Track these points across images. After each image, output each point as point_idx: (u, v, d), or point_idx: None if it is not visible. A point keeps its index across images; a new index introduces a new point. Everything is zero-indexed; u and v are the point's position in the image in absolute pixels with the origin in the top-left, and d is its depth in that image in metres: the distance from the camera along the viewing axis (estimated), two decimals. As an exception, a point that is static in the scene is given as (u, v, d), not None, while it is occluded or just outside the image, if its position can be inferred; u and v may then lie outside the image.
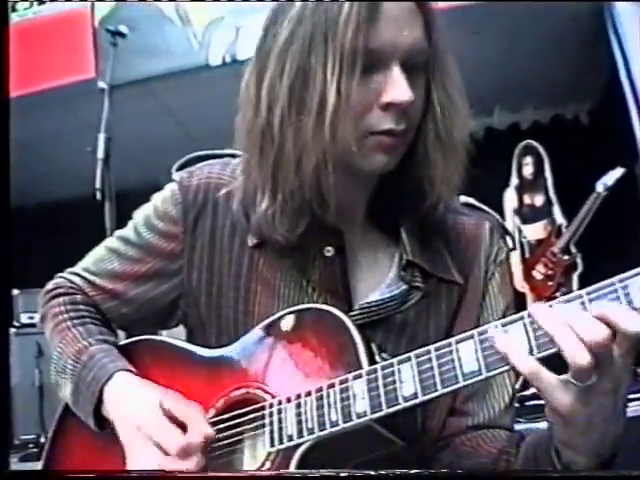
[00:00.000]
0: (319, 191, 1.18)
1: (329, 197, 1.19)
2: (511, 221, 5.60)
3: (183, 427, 1.20)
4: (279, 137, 1.18)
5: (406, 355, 1.08)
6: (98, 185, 3.34)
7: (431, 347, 1.06)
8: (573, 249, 5.15)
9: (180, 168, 1.46)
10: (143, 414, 1.24)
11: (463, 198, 1.40)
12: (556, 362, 0.97)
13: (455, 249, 1.34)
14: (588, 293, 0.97)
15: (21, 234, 6.95)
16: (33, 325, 4.31)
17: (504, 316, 1.17)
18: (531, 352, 0.98)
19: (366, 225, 1.34)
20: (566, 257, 5.15)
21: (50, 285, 1.51)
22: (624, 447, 1.05)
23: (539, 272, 5.25)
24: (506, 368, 1.00)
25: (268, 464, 1.16)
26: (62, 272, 1.53)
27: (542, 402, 1.02)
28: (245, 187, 1.30)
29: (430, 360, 1.06)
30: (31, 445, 4.25)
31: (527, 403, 3.14)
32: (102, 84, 3.68)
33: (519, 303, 1.34)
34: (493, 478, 1.12)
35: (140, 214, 1.47)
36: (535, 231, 5.61)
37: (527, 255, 5.56)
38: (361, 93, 1.15)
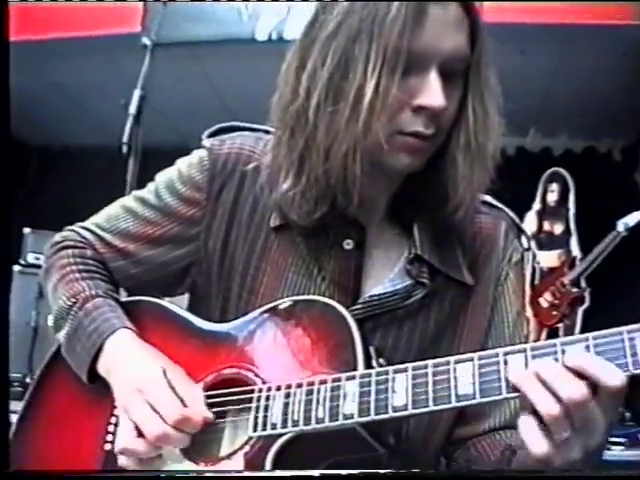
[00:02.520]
0: (344, 181, 1.19)
1: (353, 188, 1.19)
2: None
3: (182, 403, 1.20)
4: (313, 122, 1.19)
5: (403, 366, 1.07)
6: (125, 139, 3.31)
7: (429, 362, 1.05)
8: (583, 283, 5.13)
9: (211, 135, 1.45)
10: (146, 378, 1.23)
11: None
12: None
13: (469, 247, 1.33)
14: (595, 338, 0.96)
15: (40, 174, 6.98)
16: (38, 266, 4.29)
17: (516, 319, 1.32)
18: None
19: (384, 222, 1.35)
20: (575, 289, 5.13)
21: (58, 237, 1.50)
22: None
23: (546, 300, 5.24)
24: (501, 397, 0.99)
25: (247, 448, 1.16)
26: (76, 222, 1.52)
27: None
28: (272, 165, 1.30)
29: (426, 375, 1.05)
30: (16, 384, 4.24)
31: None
32: (146, 40, 3.66)
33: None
34: (493, 478, 1.12)
35: (163, 177, 1.46)
36: (549, 259, 5.59)
37: (537, 281, 5.52)
38: (397, 92, 1.15)
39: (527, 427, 0.97)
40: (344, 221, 1.27)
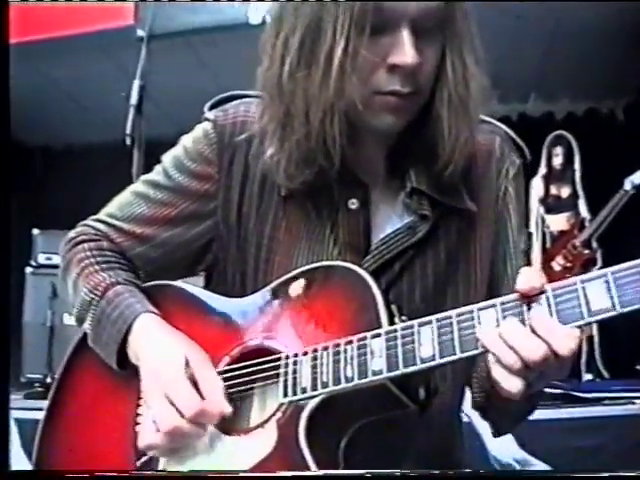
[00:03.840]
0: (324, 143, 1.20)
1: (334, 150, 1.21)
2: (535, 210, 5.55)
3: (201, 393, 1.21)
4: (290, 87, 1.21)
5: (427, 318, 1.09)
6: (128, 131, 3.31)
7: (452, 312, 1.07)
8: (594, 244, 5.10)
9: (212, 107, 1.45)
10: (166, 368, 1.23)
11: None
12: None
13: (466, 172, 1.32)
14: (553, 289, 1.02)
15: (44, 174, 6.98)
16: (50, 266, 4.30)
17: (517, 235, 1.37)
18: None
19: (387, 180, 1.35)
20: (587, 251, 5.10)
21: (72, 233, 1.50)
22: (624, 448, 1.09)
23: (558, 264, 5.22)
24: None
25: (279, 414, 1.17)
26: (84, 219, 1.52)
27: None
28: (260, 132, 1.32)
29: (451, 325, 1.07)
30: (37, 384, 4.26)
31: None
32: (141, 32, 3.66)
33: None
34: (494, 478, 1.18)
35: (169, 157, 1.46)
36: (558, 222, 5.57)
37: (548, 245, 5.50)
38: (369, 53, 1.16)
39: (497, 371, 1.05)
40: (346, 182, 1.29)
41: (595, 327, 4.96)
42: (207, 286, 1.45)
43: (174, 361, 1.23)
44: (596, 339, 5.11)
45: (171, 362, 1.23)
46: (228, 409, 1.20)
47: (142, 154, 3.32)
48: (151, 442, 1.20)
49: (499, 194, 1.37)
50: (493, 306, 1.05)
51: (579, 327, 0.99)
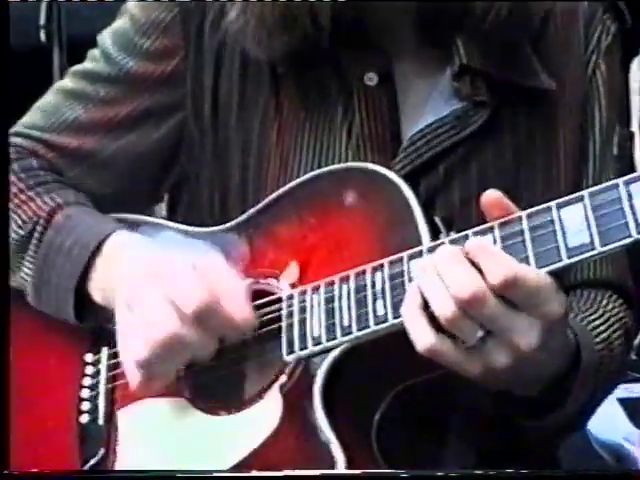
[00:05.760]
0: None
1: (320, 4, 1.11)
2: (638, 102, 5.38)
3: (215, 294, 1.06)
4: None
5: (487, 225, 0.94)
6: (42, 21, 3.00)
7: (522, 213, 0.93)
8: None
9: None
10: (162, 261, 1.06)
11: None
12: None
13: (539, 39, 1.20)
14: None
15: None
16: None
17: (611, 128, 1.23)
18: None
19: (420, 49, 1.21)
20: None
21: None
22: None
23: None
24: (627, 241, 0.87)
25: (283, 379, 1.03)
26: None
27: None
28: None
29: (522, 232, 0.91)
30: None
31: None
32: None
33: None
34: (493, 478, 1.01)
35: (109, 35, 1.31)
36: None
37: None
38: None
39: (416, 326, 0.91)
40: (357, 49, 1.17)
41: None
42: (171, 215, 1.33)
43: (173, 256, 1.07)
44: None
45: (169, 256, 1.07)
46: (251, 319, 1.03)
47: (64, 54, 3.00)
48: (140, 357, 1.01)
49: (587, 71, 1.23)
50: (580, 200, 0.89)
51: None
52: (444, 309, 0.87)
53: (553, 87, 1.19)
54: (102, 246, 1.14)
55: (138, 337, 1.03)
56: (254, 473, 1.00)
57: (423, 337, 0.89)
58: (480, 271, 0.87)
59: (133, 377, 1.04)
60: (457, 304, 0.87)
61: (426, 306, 0.89)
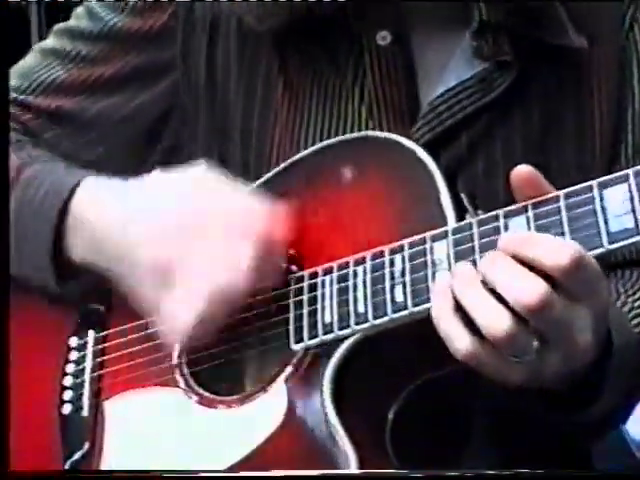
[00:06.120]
0: None
1: None
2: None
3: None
4: None
5: (520, 205, 0.89)
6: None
7: (559, 193, 0.87)
8: None
9: None
10: (193, 212, 0.99)
11: None
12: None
13: None
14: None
15: None
16: None
17: None
18: None
19: (437, 4, 1.15)
20: None
21: None
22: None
23: None
24: None
25: (289, 370, 0.98)
26: None
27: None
28: None
29: (559, 214, 0.86)
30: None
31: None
32: None
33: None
34: (493, 478, 0.98)
35: None
36: None
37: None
38: None
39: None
40: (369, 6, 1.12)
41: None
42: None
43: (183, 203, 1.00)
44: None
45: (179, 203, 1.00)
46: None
47: (42, 14, 3.06)
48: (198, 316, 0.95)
49: (624, 25, 1.17)
50: (625, 180, 0.84)
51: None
52: (497, 325, 0.81)
53: (585, 45, 1.14)
54: (77, 191, 1.09)
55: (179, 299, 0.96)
56: (256, 473, 0.95)
57: (459, 341, 0.83)
58: (531, 268, 0.82)
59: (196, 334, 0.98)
60: (518, 315, 0.81)
61: (459, 307, 0.84)
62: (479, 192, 1.06)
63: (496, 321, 0.81)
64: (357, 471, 0.93)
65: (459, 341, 0.83)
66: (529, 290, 0.80)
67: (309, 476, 0.94)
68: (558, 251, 0.80)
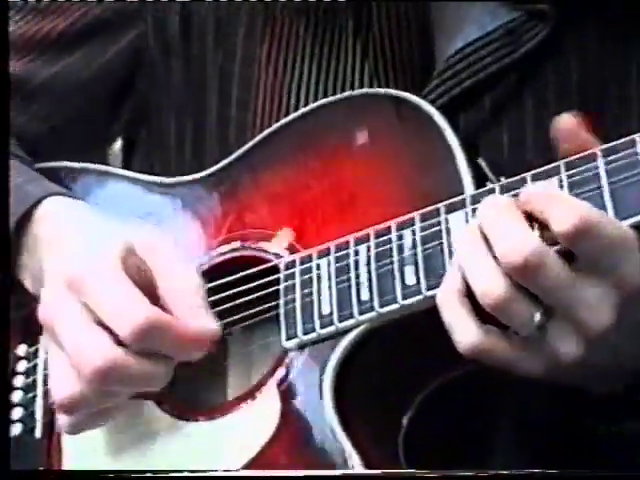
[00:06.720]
0: None
1: None
2: None
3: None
4: None
5: (551, 165, 0.83)
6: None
7: (597, 150, 0.81)
8: None
9: None
10: (90, 264, 0.90)
11: None
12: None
13: None
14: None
15: None
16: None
17: None
18: None
19: None
20: None
21: None
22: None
23: None
24: None
25: (281, 372, 0.90)
26: None
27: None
28: None
29: (597, 174, 0.79)
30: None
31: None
32: None
33: None
34: (493, 478, 0.89)
35: None
36: None
37: None
38: None
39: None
40: None
41: None
42: (128, 160, 1.24)
43: (106, 252, 0.92)
44: None
45: (101, 254, 0.93)
46: (212, 327, 0.87)
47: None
48: (69, 393, 0.86)
49: None
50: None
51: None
52: (488, 286, 0.76)
53: None
54: (34, 211, 1.01)
55: (62, 369, 0.90)
56: (256, 473, 0.86)
57: (463, 332, 0.79)
58: (542, 227, 0.77)
59: (61, 420, 0.93)
60: (507, 275, 0.76)
61: (468, 291, 0.79)
62: (504, 162, 1.01)
63: (490, 284, 0.76)
64: (357, 471, 0.87)
65: (461, 333, 0.78)
66: (517, 246, 0.75)
67: (309, 476, 0.87)
68: (566, 212, 0.75)
